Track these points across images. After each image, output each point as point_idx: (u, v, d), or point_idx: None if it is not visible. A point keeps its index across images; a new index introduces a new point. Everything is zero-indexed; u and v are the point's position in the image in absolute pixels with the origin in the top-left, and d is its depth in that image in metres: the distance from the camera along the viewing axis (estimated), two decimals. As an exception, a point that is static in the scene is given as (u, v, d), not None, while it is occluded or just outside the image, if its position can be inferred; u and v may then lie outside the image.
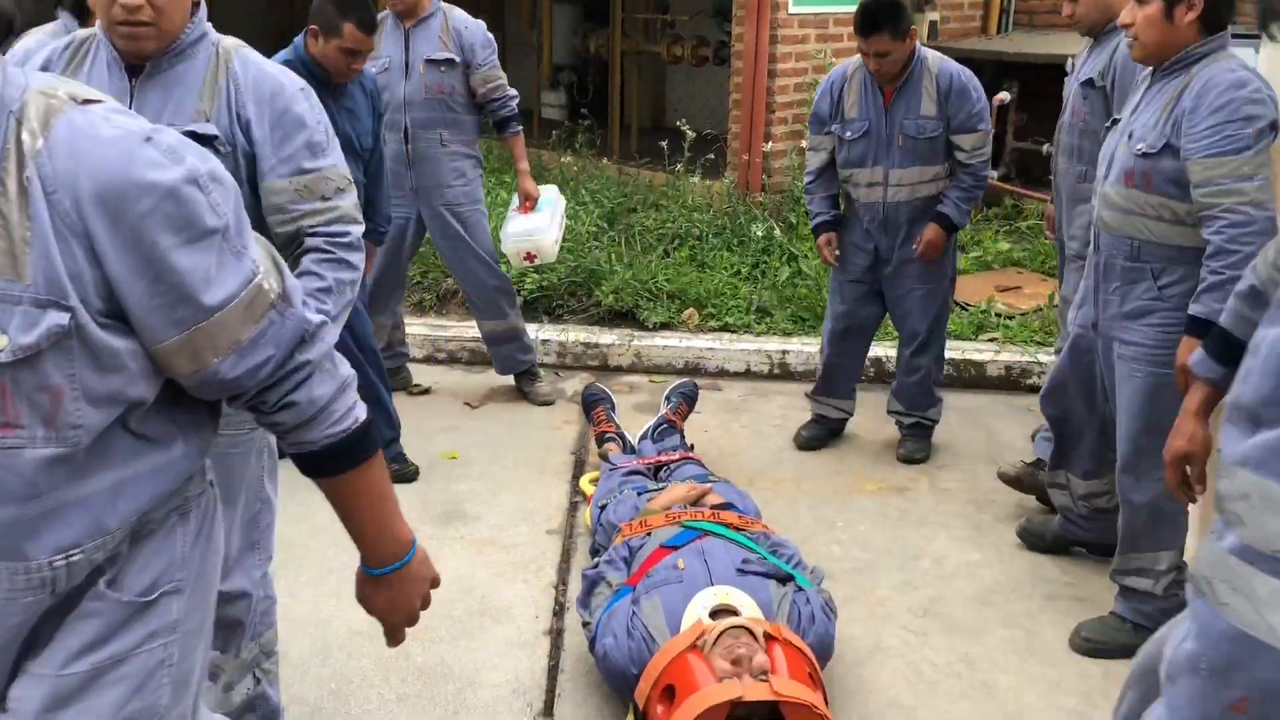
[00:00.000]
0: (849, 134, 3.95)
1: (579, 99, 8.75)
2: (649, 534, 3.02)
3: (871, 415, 4.48)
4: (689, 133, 6.35)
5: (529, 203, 4.57)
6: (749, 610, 2.64)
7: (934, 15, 7.22)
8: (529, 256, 4.58)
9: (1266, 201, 2.58)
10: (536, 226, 4.53)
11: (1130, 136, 2.84)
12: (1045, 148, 6.62)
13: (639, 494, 3.34)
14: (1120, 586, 3.05)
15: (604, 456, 3.94)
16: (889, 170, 3.93)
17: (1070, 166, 3.72)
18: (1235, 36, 3.72)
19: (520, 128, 4.54)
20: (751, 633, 2.51)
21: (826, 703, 2.52)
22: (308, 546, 3.54)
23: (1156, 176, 2.76)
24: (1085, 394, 3.18)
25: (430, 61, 4.26)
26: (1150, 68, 2.86)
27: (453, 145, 4.39)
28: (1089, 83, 3.55)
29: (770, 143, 6.54)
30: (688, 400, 4.25)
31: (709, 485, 3.33)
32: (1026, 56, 7.00)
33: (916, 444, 4.22)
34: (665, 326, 5.31)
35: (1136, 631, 2.90)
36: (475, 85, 4.34)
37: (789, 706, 2.39)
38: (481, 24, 4.39)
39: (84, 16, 3.08)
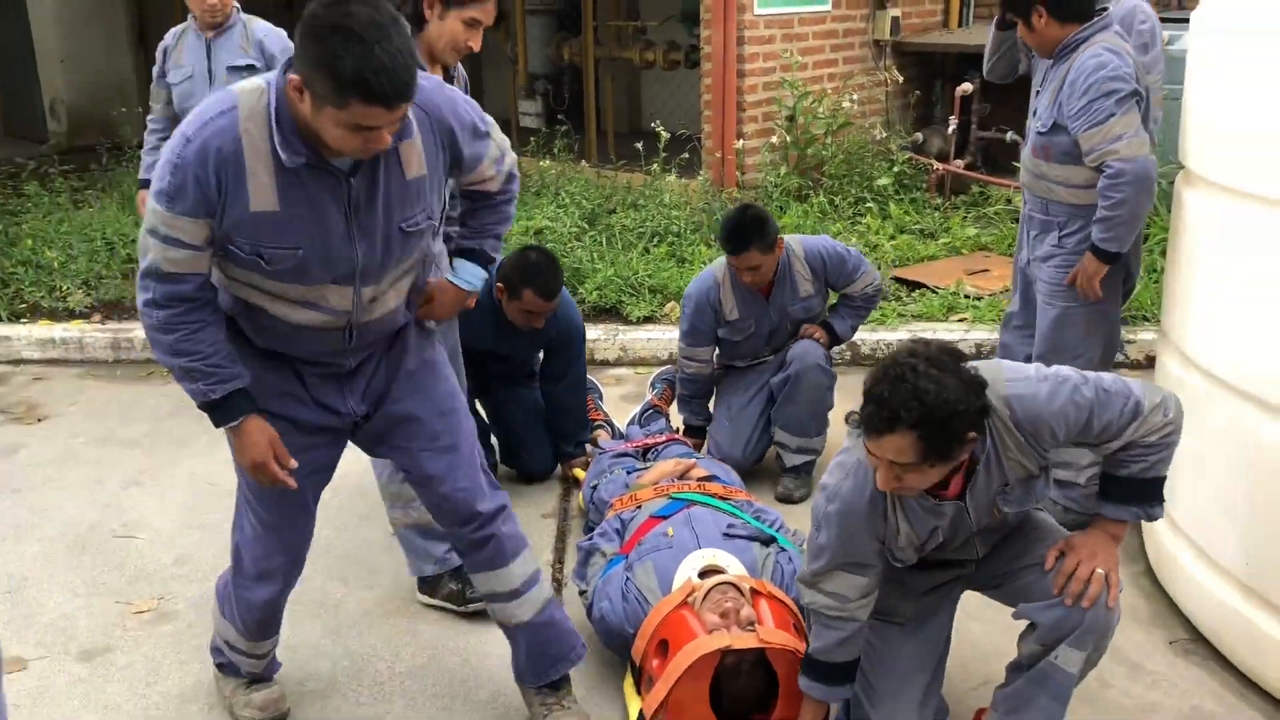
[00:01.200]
0: (738, 335, 3.97)
1: (556, 106, 8.93)
2: (639, 507, 3.19)
3: (844, 391, 4.66)
4: (664, 133, 6.55)
5: None
6: (735, 569, 2.82)
7: (895, 11, 7.44)
8: None
9: (1136, 155, 3.20)
10: None
11: (1035, 115, 3.49)
12: (1009, 135, 6.88)
13: (628, 472, 3.52)
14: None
15: (593, 443, 4.11)
16: (777, 348, 4.02)
17: None
18: (1162, 20, 3.98)
19: None
20: (738, 588, 2.69)
21: (810, 651, 2.70)
22: (316, 538, 3.69)
23: (1054, 148, 3.40)
24: (1026, 314, 3.76)
25: (233, 69, 4.44)
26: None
27: None
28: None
29: (742, 140, 6.74)
30: (671, 386, 4.42)
31: (694, 460, 3.51)
32: (987, 48, 7.22)
33: (798, 480, 3.93)
34: (648, 320, 5.50)
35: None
36: None
37: (775, 653, 2.57)
38: (282, 32, 4.56)
39: (419, 24, 3.02)
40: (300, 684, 2.95)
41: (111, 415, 4.85)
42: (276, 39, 4.56)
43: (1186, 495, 3.05)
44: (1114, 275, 3.44)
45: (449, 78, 3.21)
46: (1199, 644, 3.02)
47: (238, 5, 4.56)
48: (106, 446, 4.51)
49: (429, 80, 2.30)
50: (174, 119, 4.65)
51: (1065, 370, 2.27)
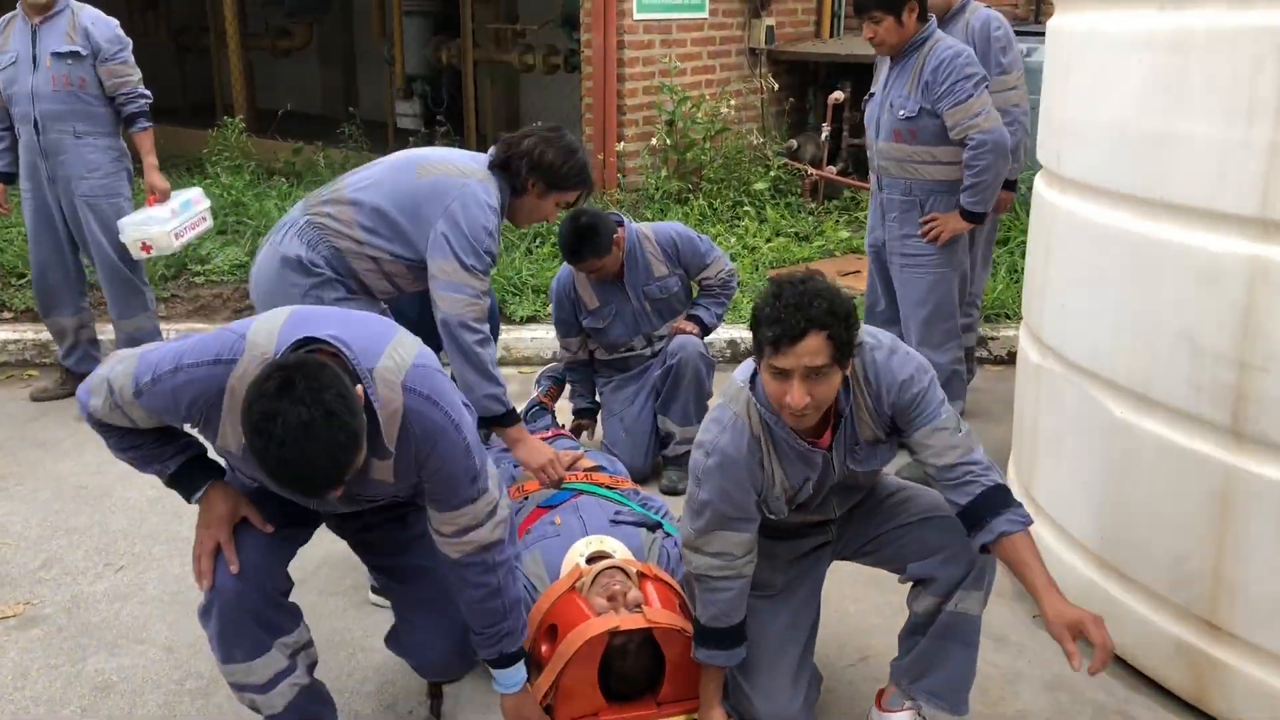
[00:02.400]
0: (601, 322, 4.05)
1: (434, 108, 8.88)
2: (526, 497, 3.22)
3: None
4: (544, 135, 6.57)
5: (153, 196, 4.67)
6: (622, 554, 2.87)
7: (770, 20, 7.64)
8: (145, 247, 4.58)
9: (992, 127, 3.73)
10: (152, 218, 4.58)
11: (891, 106, 3.86)
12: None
13: (514, 465, 3.53)
14: None
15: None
16: (651, 333, 4.13)
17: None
18: (1020, 34, 4.30)
19: (148, 125, 4.65)
20: (625, 572, 2.74)
21: (696, 632, 2.76)
22: (190, 538, 3.61)
23: (920, 131, 3.83)
24: (891, 295, 4.20)
25: (57, 55, 4.42)
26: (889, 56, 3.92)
27: (87, 138, 4.53)
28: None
29: (623, 143, 6.83)
30: (557, 384, 4.44)
31: (581, 451, 3.55)
32: (858, 57, 7.47)
33: (681, 472, 3.99)
34: (532, 319, 5.52)
35: None
36: (104, 78, 4.50)
37: (662, 633, 2.62)
38: (113, 22, 4.57)
39: (522, 192, 3.18)
40: (179, 684, 2.88)
41: (-33, 419, 4.63)
42: (105, 27, 4.50)
43: (1046, 476, 3.24)
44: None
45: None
46: (1058, 616, 3.20)
47: None
48: (-38, 451, 4.31)
49: (443, 421, 2.18)
50: (3, 106, 4.54)
51: (916, 355, 2.43)
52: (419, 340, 2.29)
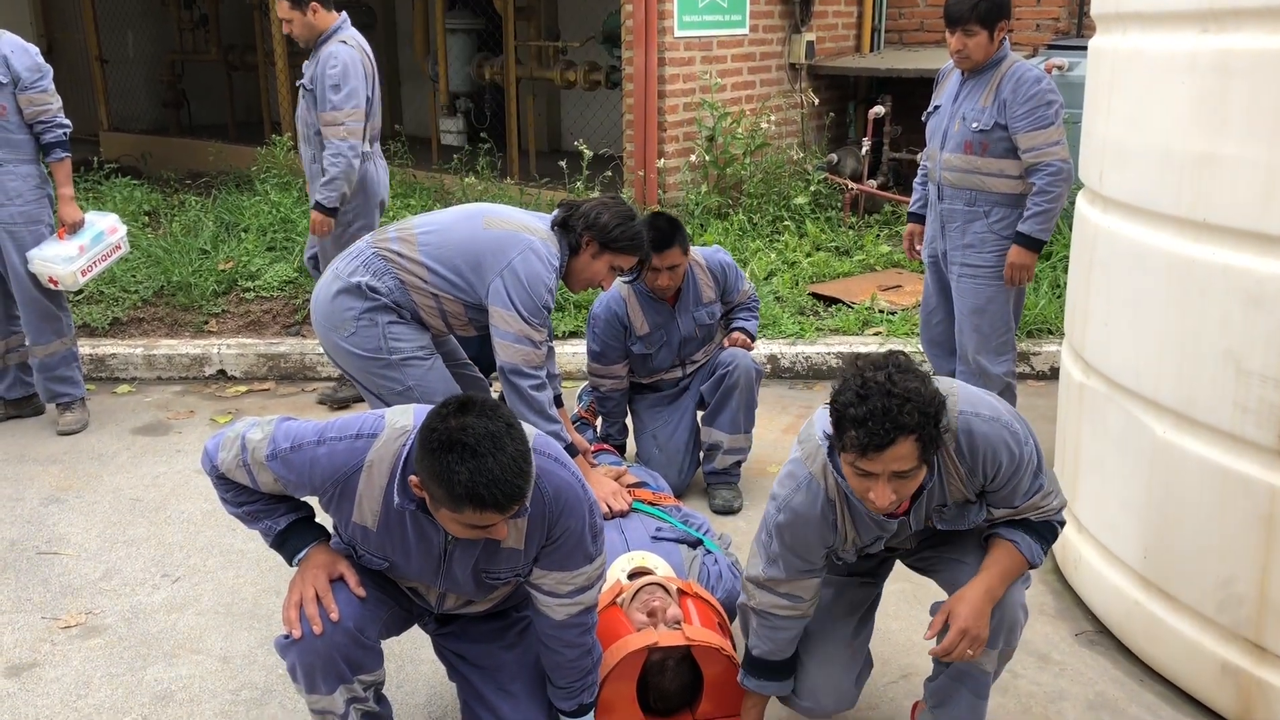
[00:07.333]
0: (650, 348, 4.04)
1: (477, 125, 8.99)
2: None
3: (768, 403, 4.80)
4: (587, 152, 6.65)
5: (63, 229, 4.67)
6: (663, 570, 2.91)
7: (810, 36, 7.66)
8: (52, 280, 4.61)
9: (1068, 156, 3.81)
10: (60, 256, 4.59)
11: (964, 119, 3.97)
12: (920, 156, 7.15)
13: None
14: None
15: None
16: (687, 358, 4.12)
17: None
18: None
19: (65, 155, 4.61)
20: (665, 588, 2.77)
21: (735, 649, 2.80)
22: (244, 551, 3.70)
23: (992, 144, 3.93)
24: (948, 306, 4.26)
25: None
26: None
27: (9, 165, 4.52)
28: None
29: (663, 159, 6.88)
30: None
31: (625, 468, 3.60)
32: (898, 72, 7.49)
33: (733, 490, 4.06)
34: (574, 334, 5.58)
35: None
36: (24, 106, 4.49)
37: (701, 651, 2.65)
38: (33, 49, 4.55)
39: (577, 251, 3.38)
40: (234, 693, 2.95)
41: (25, 433, 4.76)
42: (25, 55, 4.48)
43: (1089, 495, 3.24)
44: None
45: None
46: (1102, 635, 3.20)
47: None
48: (23, 464, 4.43)
49: (572, 480, 2.30)
50: None
51: (1016, 426, 2.33)
52: None
